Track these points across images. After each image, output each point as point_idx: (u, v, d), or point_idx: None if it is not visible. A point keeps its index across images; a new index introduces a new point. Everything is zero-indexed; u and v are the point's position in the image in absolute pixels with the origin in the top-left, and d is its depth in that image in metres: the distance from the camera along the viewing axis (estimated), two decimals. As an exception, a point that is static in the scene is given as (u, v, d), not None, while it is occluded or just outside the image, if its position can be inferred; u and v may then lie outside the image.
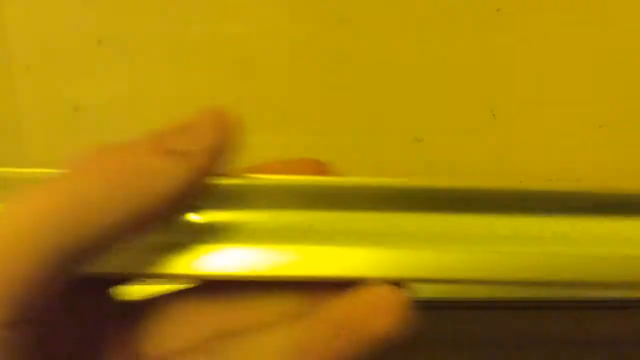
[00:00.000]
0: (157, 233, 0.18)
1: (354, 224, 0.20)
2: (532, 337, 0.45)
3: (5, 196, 0.17)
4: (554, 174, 0.42)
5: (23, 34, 0.38)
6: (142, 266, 0.18)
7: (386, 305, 0.18)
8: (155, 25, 0.39)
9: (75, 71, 0.39)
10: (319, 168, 0.20)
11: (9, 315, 0.15)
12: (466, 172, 0.42)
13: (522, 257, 0.22)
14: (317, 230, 0.20)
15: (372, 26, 0.39)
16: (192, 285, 0.19)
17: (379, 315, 0.17)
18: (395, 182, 0.22)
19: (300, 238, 0.20)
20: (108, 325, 0.19)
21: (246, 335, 0.17)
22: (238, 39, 0.39)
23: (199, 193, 0.18)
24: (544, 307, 0.46)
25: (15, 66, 0.39)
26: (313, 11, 0.38)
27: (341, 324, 0.17)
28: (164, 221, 0.17)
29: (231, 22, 0.39)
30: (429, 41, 0.39)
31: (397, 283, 0.18)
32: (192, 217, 0.19)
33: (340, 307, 0.18)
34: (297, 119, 0.41)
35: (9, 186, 0.20)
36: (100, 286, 0.19)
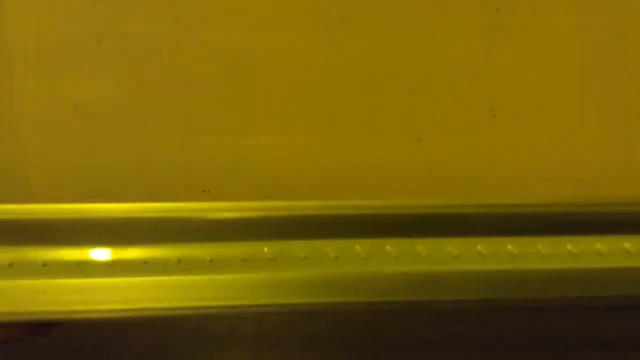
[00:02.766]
0: None
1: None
2: (532, 337, 0.45)
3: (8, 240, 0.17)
4: (554, 174, 0.42)
5: (23, 34, 0.38)
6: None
7: None
8: (155, 25, 0.39)
9: (75, 71, 0.39)
10: None
11: None
12: (466, 172, 0.42)
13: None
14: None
15: (372, 27, 0.39)
16: None
17: None
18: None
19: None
20: None
21: None
22: (238, 39, 0.39)
23: None
24: (544, 308, 0.46)
25: (15, 66, 0.39)
26: (313, 11, 0.38)
27: None
28: None
29: (231, 23, 0.39)
30: (429, 41, 0.39)
31: None
32: None
33: None
34: (297, 119, 0.41)
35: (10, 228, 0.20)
36: None
